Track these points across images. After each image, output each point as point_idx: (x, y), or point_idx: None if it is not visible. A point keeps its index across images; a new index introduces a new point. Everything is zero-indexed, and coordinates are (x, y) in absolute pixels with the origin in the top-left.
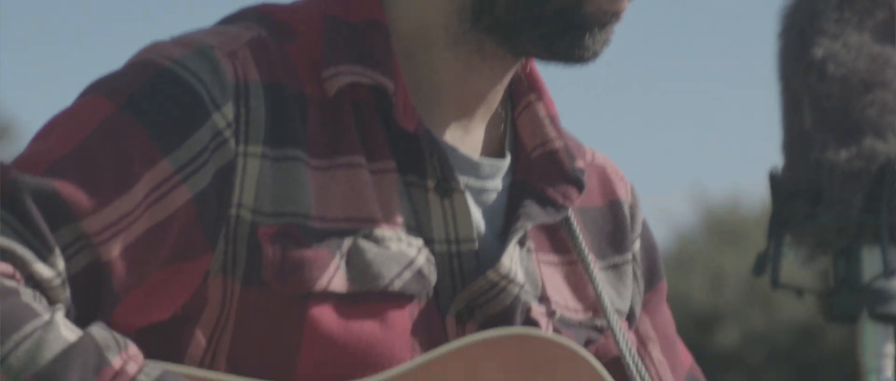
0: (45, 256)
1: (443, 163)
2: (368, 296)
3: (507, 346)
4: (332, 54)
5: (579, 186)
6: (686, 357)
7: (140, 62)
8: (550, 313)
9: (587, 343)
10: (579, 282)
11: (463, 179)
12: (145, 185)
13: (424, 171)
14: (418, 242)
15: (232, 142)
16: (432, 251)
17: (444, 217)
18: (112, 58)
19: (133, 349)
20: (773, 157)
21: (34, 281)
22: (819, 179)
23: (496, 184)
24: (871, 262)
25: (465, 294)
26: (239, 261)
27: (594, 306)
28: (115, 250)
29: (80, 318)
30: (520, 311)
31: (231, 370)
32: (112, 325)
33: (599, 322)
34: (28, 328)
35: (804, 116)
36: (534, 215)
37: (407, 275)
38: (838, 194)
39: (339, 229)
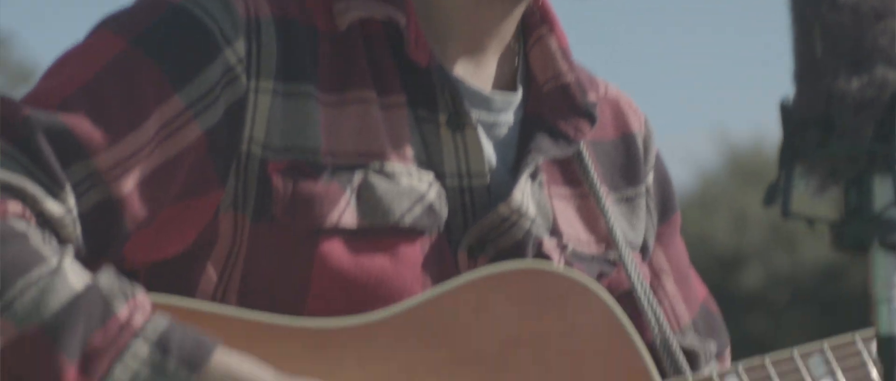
0: (56, 193)
1: (454, 97)
2: (379, 231)
3: (518, 279)
4: None
5: (591, 119)
6: (700, 289)
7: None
8: (562, 247)
9: (599, 276)
10: (592, 215)
11: (474, 114)
12: (157, 121)
13: (436, 105)
14: (429, 176)
15: (243, 78)
16: (443, 186)
17: (456, 151)
18: None
19: (141, 296)
20: None
21: (44, 219)
22: (830, 108)
23: (508, 118)
24: (882, 191)
25: (477, 229)
26: (249, 197)
27: (607, 239)
28: (126, 187)
29: (91, 255)
30: (531, 245)
31: (242, 304)
32: (123, 261)
33: (612, 255)
34: (35, 274)
35: (815, 46)
36: (545, 149)
37: (418, 210)
38: (850, 123)
39: (350, 163)
